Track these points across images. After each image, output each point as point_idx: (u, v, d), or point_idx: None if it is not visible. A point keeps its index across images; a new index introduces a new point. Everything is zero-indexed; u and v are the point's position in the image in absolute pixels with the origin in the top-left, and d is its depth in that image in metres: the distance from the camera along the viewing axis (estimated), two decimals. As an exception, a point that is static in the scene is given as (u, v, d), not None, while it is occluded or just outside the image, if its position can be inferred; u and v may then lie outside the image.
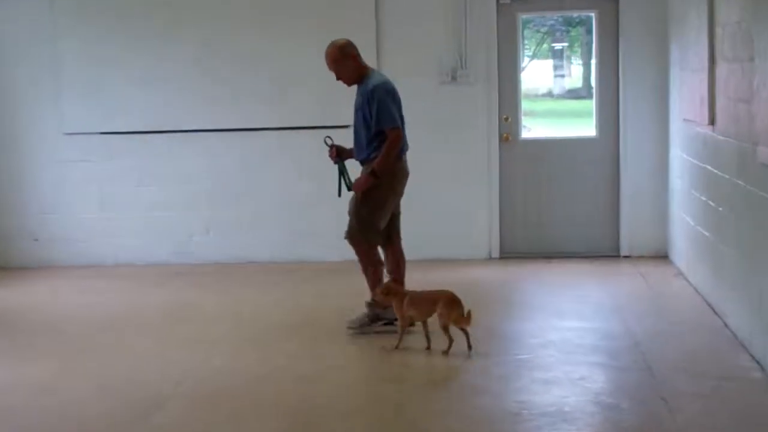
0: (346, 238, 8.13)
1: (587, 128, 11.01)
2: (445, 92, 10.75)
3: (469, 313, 7.24)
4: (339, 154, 8.28)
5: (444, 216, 10.89)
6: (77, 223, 11.12)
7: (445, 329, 7.27)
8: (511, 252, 10.93)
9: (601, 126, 10.81)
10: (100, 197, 11.09)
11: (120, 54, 10.90)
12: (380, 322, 7.99)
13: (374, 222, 8.05)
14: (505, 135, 10.81)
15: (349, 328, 8.00)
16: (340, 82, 8.15)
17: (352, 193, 8.13)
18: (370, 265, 8.13)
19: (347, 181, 8.22)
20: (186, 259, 11.10)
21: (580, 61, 11.82)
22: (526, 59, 11.17)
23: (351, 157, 8.25)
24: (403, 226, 10.84)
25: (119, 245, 11.03)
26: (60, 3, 10.92)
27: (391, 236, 8.30)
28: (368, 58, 10.46)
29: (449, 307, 7.28)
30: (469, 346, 7.29)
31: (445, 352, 7.27)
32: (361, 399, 6.53)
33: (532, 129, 11.10)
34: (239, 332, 8.27)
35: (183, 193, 11.12)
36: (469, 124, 10.78)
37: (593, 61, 10.97)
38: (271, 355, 7.55)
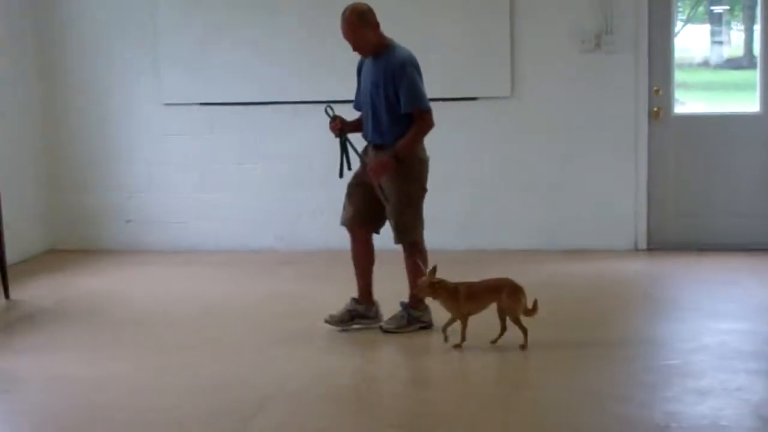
0: (402, 245, 8.12)
1: (749, 103, 10.83)
2: (588, 61, 10.67)
3: (535, 302, 7.40)
4: (342, 128, 8.12)
5: (584, 201, 10.84)
6: (173, 203, 11.30)
7: (518, 321, 7.40)
8: (659, 243, 10.83)
9: (766, 100, 10.62)
10: (200, 176, 11.21)
11: (223, 19, 11.01)
12: (417, 324, 8.02)
13: (421, 217, 8.24)
14: (655, 110, 10.69)
15: (385, 330, 8.01)
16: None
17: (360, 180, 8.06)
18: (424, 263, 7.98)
19: (361, 158, 8.07)
20: (293, 245, 11.19)
21: (742, 27, 11.61)
22: (680, 24, 10.99)
23: (356, 131, 8.18)
24: (538, 211, 10.92)
25: (219, 229, 11.15)
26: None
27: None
28: (500, 23, 10.55)
29: (516, 296, 7.42)
30: (526, 343, 7.43)
31: (523, 346, 7.40)
32: (495, 404, 6.51)
33: (686, 103, 10.94)
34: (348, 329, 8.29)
35: (291, 172, 11.22)
36: (614, 97, 10.70)
37: (757, 27, 10.76)
38: (384, 352, 7.64)
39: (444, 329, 7.51)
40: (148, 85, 11.14)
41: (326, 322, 7.98)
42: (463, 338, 7.44)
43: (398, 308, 8.00)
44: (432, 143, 10.81)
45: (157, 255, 11.00)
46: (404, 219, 7.98)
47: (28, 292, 9.62)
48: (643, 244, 10.80)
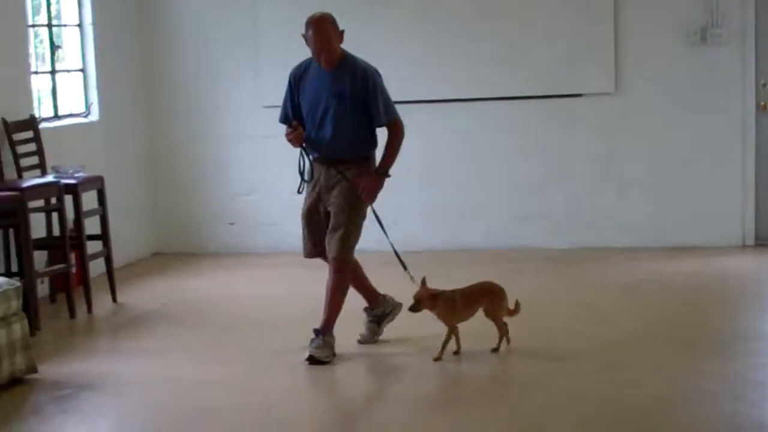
0: (336, 260, 7.48)
1: None
2: (693, 55, 10.64)
3: (517, 302, 7.46)
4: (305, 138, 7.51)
5: (689, 197, 10.80)
6: (273, 205, 11.34)
7: (502, 323, 7.45)
8: (768, 238, 10.76)
9: None
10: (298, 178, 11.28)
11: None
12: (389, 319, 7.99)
13: (358, 238, 7.69)
14: (762, 104, 10.63)
15: (362, 342, 7.85)
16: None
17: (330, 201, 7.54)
18: (348, 284, 7.70)
19: (309, 177, 7.62)
20: (387, 246, 11.16)
21: None
22: (789, 15, 10.85)
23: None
24: (642, 207, 10.88)
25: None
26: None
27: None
28: (604, 18, 10.56)
29: (501, 298, 7.45)
30: (507, 340, 7.51)
31: (496, 349, 7.46)
32: (599, 403, 6.49)
33: (795, 97, 10.85)
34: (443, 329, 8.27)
35: (392, 172, 11.19)
36: (720, 91, 10.66)
37: None
38: (488, 355, 7.56)
39: (444, 345, 7.36)
40: (248, 88, 11.27)
41: (360, 342, 7.82)
42: (460, 347, 7.40)
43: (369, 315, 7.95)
44: (536, 142, 10.93)
45: (259, 257, 11.13)
46: (354, 236, 7.58)
47: (135, 295, 9.77)
48: (750, 240, 10.73)
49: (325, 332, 7.42)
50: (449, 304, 7.30)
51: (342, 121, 7.37)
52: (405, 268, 7.61)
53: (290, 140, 7.43)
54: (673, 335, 7.92)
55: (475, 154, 11.14)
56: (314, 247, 7.68)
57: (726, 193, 10.74)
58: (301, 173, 7.63)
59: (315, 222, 7.60)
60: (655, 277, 9.65)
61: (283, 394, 6.81)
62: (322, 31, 7.26)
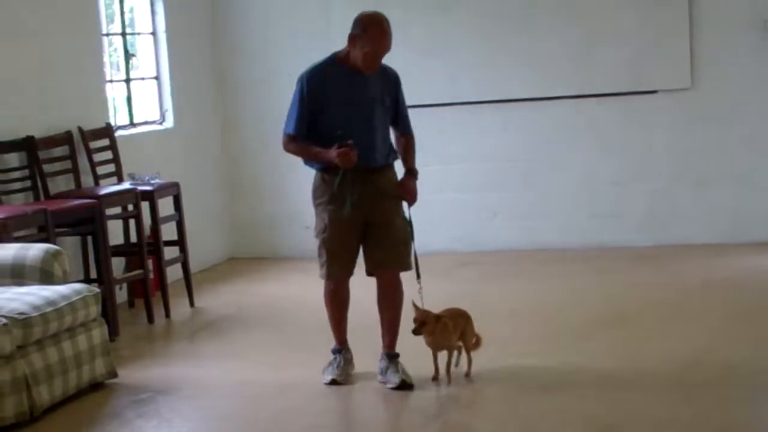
0: (401, 272, 7.02)
1: None
2: (770, 47, 10.62)
3: (478, 336, 7.21)
4: None
5: (769, 192, 10.79)
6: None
7: (470, 348, 7.16)
8: None
9: None
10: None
11: (399, 20, 11.15)
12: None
13: None
14: None
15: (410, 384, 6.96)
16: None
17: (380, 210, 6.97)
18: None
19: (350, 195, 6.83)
20: (469, 246, 11.34)
21: None
22: None
23: None
24: (722, 203, 10.85)
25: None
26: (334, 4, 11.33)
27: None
28: (678, 13, 10.53)
29: (472, 323, 7.18)
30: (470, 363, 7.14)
31: (467, 375, 7.13)
32: (677, 402, 6.50)
33: None
34: (532, 329, 8.35)
35: (467, 173, 11.38)
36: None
37: None
38: (570, 356, 7.61)
39: (449, 370, 7.03)
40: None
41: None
42: (454, 365, 7.11)
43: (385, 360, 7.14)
44: (612, 139, 10.94)
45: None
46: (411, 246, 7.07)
47: (211, 299, 9.87)
48: (833, 235, 10.70)
49: (396, 353, 7.02)
50: (446, 328, 6.90)
51: (383, 126, 6.94)
52: (418, 276, 7.03)
53: (348, 159, 6.56)
54: (753, 332, 7.89)
55: (552, 153, 11.19)
56: (347, 267, 7.04)
57: (807, 186, 10.72)
58: (350, 193, 6.77)
59: (347, 241, 6.95)
60: (737, 274, 9.67)
61: (360, 398, 6.92)
62: (389, 34, 6.70)
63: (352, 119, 6.73)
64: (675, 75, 10.79)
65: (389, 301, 7.05)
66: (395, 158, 7.13)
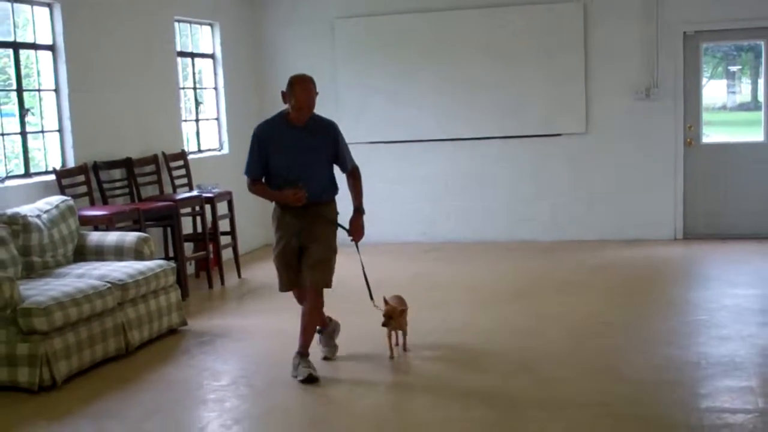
0: (320, 286, 6.02)
1: (756, 134, 10.62)
2: (641, 106, 10.58)
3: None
4: None
5: (638, 204, 10.75)
6: (344, 213, 11.28)
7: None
8: (692, 234, 10.67)
9: (767, 132, 10.45)
10: (366, 191, 11.18)
11: (381, 82, 11.17)
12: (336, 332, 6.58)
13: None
14: (688, 140, 10.56)
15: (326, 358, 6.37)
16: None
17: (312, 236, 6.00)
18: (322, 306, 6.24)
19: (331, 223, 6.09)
20: (431, 238, 11.32)
21: (749, 80, 11.44)
22: (705, 79, 10.85)
23: None
24: (608, 214, 10.84)
25: (380, 228, 11.17)
26: (339, 39, 11.29)
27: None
28: (577, 83, 10.56)
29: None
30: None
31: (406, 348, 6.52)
32: (574, 348, 6.51)
33: (710, 135, 10.79)
34: (474, 296, 8.34)
35: (428, 188, 11.33)
36: (659, 131, 10.58)
37: (760, 80, 10.61)
38: (502, 313, 7.58)
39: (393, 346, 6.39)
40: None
41: (326, 359, 6.38)
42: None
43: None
44: (528, 167, 10.88)
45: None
46: (331, 265, 6.04)
47: (253, 272, 9.81)
48: (680, 235, 10.66)
49: (308, 353, 6.08)
50: (404, 315, 6.34)
51: (320, 170, 5.99)
52: (372, 297, 6.23)
53: (298, 199, 5.83)
54: (625, 300, 7.94)
55: (486, 176, 11.11)
56: (290, 282, 6.09)
57: (664, 202, 10.66)
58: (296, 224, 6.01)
59: (289, 261, 6.04)
60: (614, 261, 9.65)
61: (362, 338, 6.73)
62: (309, 89, 5.84)
63: (290, 165, 5.88)
64: (574, 123, 10.74)
65: (308, 308, 6.08)
66: (335, 194, 6.10)
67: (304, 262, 5.99)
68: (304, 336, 6.08)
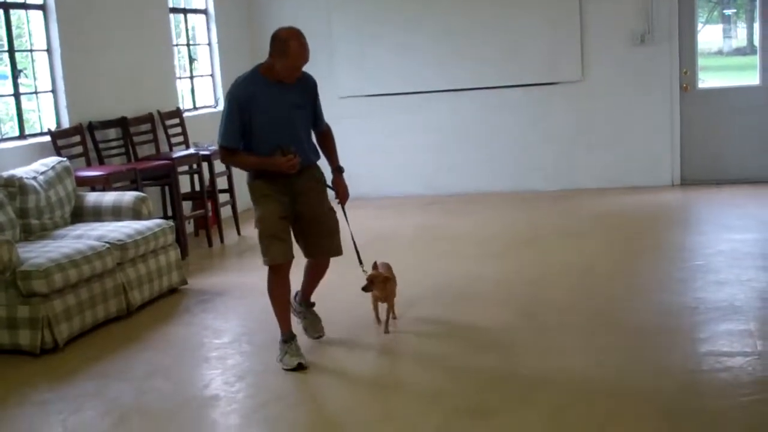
0: (333, 256, 5.64)
1: (751, 79, 10.55)
2: (637, 52, 10.50)
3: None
4: None
5: (636, 151, 10.72)
6: (349, 165, 11.21)
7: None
8: (689, 179, 10.65)
9: (763, 76, 10.38)
10: (367, 145, 11.29)
11: (379, 29, 11.06)
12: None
13: None
14: (684, 85, 10.50)
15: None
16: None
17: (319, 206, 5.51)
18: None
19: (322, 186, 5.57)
20: (434, 191, 11.27)
21: (745, 25, 11.38)
22: (701, 24, 10.78)
23: None
24: (607, 162, 10.78)
25: (382, 182, 11.24)
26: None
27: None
28: (573, 27, 10.47)
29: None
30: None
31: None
32: (576, 296, 6.51)
33: (706, 80, 10.73)
34: (478, 247, 8.32)
35: (430, 140, 11.26)
36: (655, 77, 10.51)
37: (756, 24, 10.52)
38: (506, 264, 7.58)
39: (379, 316, 6.06)
40: (327, 83, 11.12)
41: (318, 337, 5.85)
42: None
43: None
44: (528, 116, 10.86)
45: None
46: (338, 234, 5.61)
47: (252, 230, 9.43)
48: (677, 180, 10.65)
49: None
50: (392, 285, 5.87)
51: (306, 129, 5.47)
52: (360, 262, 5.73)
53: (292, 166, 5.22)
54: (626, 247, 7.95)
55: (488, 126, 11.06)
56: (285, 253, 5.38)
57: (661, 148, 10.62)
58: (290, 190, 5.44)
59: (284, 231, 5.40)
60: (614, 207, 9.67)
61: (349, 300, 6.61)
62: (305, 45, 5.21)
63: (277, 125, 5.25)
64: (570, 71, 10.67)
65: (320, 275, 5.78)
66: (318, 157, 5.53)
67: (314, 232, 5.50)
68: (311, 288, 5.88)
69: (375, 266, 5.90)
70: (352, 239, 5.67)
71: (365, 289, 5.75)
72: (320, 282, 5.90)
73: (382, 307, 6.00)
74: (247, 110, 5.23)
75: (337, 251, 5.60)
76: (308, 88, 5.45)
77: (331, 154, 5.64)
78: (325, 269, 5.78)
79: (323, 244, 5.56)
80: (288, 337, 5.48)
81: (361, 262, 5.70)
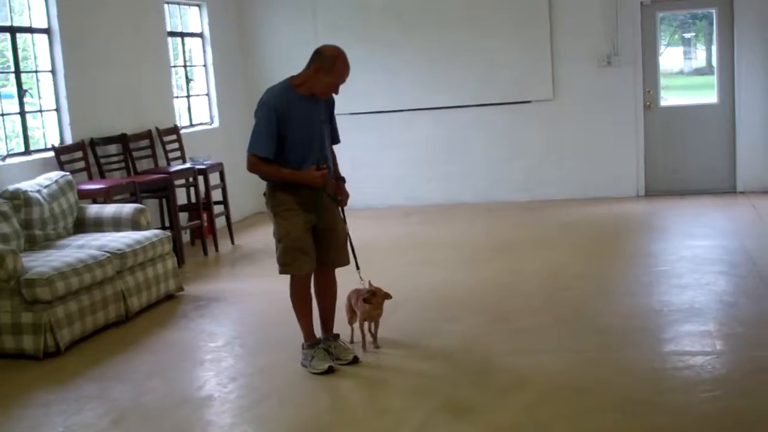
0: (344, 265, 5.39)
1: (710, 97, 10.58)
2: (603, 73, 10.52)
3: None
4: None
5: (603, 165, 10.71)
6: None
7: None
8: (653, 191, 10.66)
9: (720, 95, 10.41)
10: (352, 159, 11.20)
11: (364, 55, 11.02)
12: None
13: None
14: (648, 104, 10.52)
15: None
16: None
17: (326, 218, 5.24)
18: None
19: (332, 199, 5.28)
20: (413, 202, 11.25)
21: (704, 47, 11.42)
22: (663, 47, 10.81)
23: None
24: (576, 174, 10.78)
25: (366, 193, 11.17)
26: (321, 15, 11.14)
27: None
28: (544, 53, 10.49)
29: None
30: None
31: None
32: (547, 300, 6.49)
33: (668, 99, 10.76)
34: (455, 254, 8.30)
35: (412, 155, 11.23)
36: (620, 96, 10.53)
37: (714, 46, 10.54)
38: (482, 270, 7.55)
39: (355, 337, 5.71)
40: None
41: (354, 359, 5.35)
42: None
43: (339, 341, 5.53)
44: (502, 133, 10.82)
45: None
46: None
47: (245, 239, 9.73)
48: (642, 192, 10.65)
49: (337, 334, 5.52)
50: (382, 304, 5.49)
51: (329, 143, 5.29)
52: (358, 267, 5.45)
53: (321, 178, 5.03)
54: (593, 254, 7.93)
55: (463, 142, 11.04)
56: (312, 263, 5.18)
57: (627, 162, 10.62)
58: (321, 207, 5.17)
59: (310, 243, 5.17)
60: (582, 217, 9.65)
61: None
62: (349, 64, 5.13)
63: (310, 140, 5.07)
64: (542, 91, 10.67)
65: (333, 288, 5.46)
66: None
67: (330, 243, 5.25)
68: (331, 317, 5.47)
69: (371, 284, 5.50)
70: (350, 244, 5.43)
71: (366, 300, 5.39)
72: (334, 304, 5.48)
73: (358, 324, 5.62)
74: (283, 121, 4.97)
75: (347, 261, 5.38)
76: (329, 103, 5.29)
77: (335, 165, 5.46)
78: (335, 284, 5.46)
79: (336, 254, 5.32)
80: (313, 343, 5.30)
81: (358, 267, 5.45)
